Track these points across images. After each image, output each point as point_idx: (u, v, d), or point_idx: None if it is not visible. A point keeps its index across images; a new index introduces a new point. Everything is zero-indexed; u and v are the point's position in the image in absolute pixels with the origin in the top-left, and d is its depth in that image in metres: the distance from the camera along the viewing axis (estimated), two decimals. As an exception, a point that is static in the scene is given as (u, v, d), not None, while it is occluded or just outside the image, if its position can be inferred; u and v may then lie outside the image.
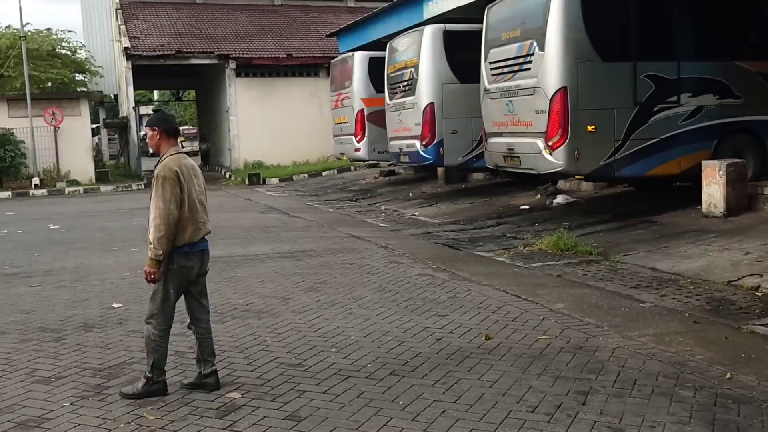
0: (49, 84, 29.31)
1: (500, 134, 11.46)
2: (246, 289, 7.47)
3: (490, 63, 11.54)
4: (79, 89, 29.93)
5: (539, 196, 13.59)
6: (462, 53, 14.00)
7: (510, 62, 10.95)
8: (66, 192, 22.67)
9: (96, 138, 43.92)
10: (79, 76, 32.33)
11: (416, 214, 13.77)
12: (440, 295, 6.87)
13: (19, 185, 23.24)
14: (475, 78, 12.19)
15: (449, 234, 11.00)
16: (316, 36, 29.43)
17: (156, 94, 74.65)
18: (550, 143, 10.14)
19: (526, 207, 12.70)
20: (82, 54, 32.34)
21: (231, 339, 5.66)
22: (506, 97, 11.06)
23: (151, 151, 42.20)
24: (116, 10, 30.86)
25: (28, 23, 30.51)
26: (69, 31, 31.61)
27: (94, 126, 36.87)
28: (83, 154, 24.27)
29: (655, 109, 10.31)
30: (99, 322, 6.30)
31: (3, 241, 11.85)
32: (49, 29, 31.17)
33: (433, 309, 6.36)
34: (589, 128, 10.04)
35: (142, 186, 24.32)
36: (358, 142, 18.26)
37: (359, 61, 18.16)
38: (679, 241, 8.77)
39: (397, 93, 15.34)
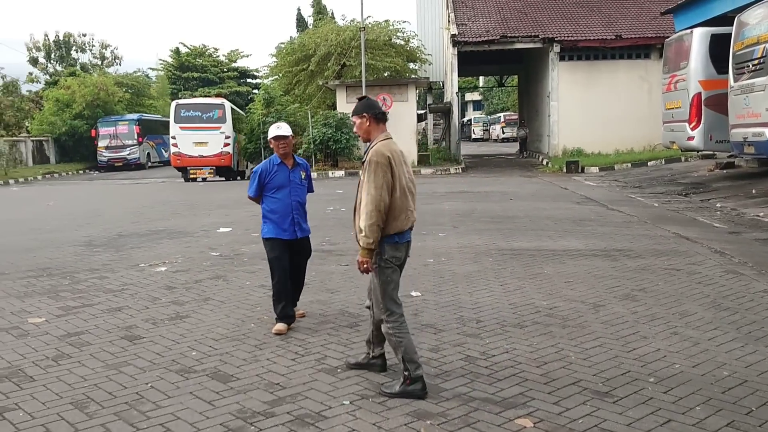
0: (386, 74, 31.20)
1: None
2: (552, 289, 6.73)
3: None
4: (410, 76, 31.47)
5: None
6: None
7: None
8: (390, 173, 23.81)
9: (423, 123, 46.25)
10: (411, 65, 33.98)
11: (761, 214, 11.73)
12: (796, 322, 5.46)
13: (350, 165, 25.08)
14: None
15: (806, 242, 9.08)
16: (649, 15, 27.24)
17: (481, 81, 76.55)
18: None
19: None
20: (414, 43, 33.91)
21: (528, 348, 4.98)
22: None
23: (473, 135, 43.51)
24: (448, -1, 31.75)
25: (369, 16, 32.89)
26: (404, 22, 33.30)
27: (421, 111, 38.60)
28: (408, 138, 25.31)
29: None
30: (395, 311, 6.06)
31: (327, 218, 12.54)
32: (387, 21, 33.15)
33: (787, 340, 5.03)
34: None
35: (460, 170, 24.67)
36: (692, 129, 16.27)
37: (699, 37, 16.11)
38: None
39: (744, 73, 13.23)
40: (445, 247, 9.10)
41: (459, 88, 29.64)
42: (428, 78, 31.32)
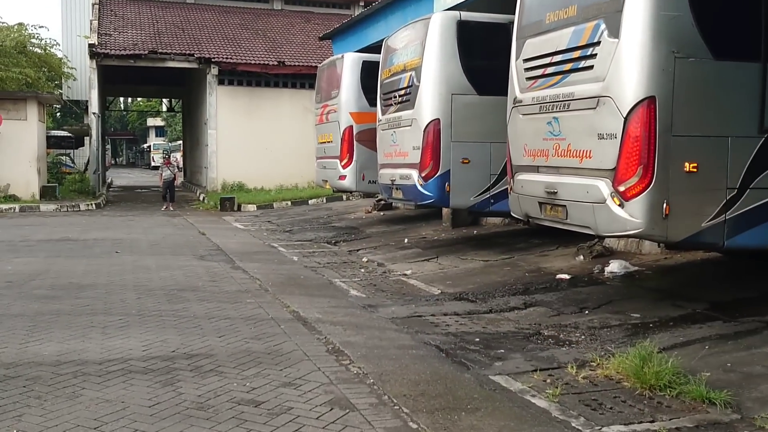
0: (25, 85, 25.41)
1: (536, 168, 7.51)
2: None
3: (526, 60, 7.59)
4: (47, 91, 26.26)
5: (582, 257, 9.57)
6: (482, 53, 10.20)
7: (559, 58, 6.99)
8: (-4, 210, 18.76)
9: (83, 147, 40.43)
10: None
11: (408, 272, 9.76)
12: None
13: None
14: (500, 88, 8.31)
15: (450, 323, 6.96)
16: (315, 44, 25.73)
17: (164, 104, 71.65)
18: (621, 188, 6.15)
19: (565, 276, 8.63)
20: (57, 53, 28.77)
21: None
22: (550, 112, 7.09)
23: (152, 162, 36.09)
24: (93, 4, 27.33)
25: (-3, 16, 27.05)
26: (40, 27, 27.91)
27: (60, 133, 33.12)
28: (26, 165, 20.40)
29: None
30: None
31: None
32: (21, 24, 27.51)
33: None
34: (689, 166, 6.06)
35: (94, 207, 20.42)
36: (344, 167, 14.31)
37: (350, 64, 14.27)
38: None
39: (391, 105, 11.41)
40: None
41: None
42: (52, 92, 26.01)
